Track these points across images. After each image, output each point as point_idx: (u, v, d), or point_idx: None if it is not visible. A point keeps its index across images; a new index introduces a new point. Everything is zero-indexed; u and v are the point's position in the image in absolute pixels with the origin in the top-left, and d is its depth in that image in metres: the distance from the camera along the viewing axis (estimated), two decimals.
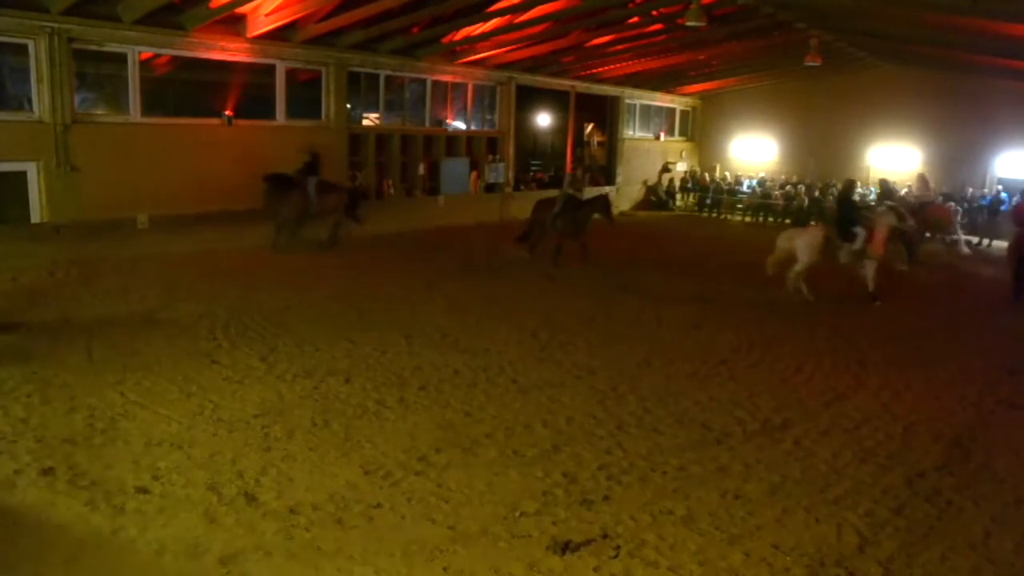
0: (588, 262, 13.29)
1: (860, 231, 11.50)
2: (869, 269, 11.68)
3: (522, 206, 19.10)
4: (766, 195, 23.86)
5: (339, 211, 13.67)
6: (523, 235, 14.02)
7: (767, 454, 5.94)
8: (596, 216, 13.71)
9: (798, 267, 11.70)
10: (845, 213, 11.95)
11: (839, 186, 22.70)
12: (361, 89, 17.09)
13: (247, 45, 14.00)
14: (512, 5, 15.11)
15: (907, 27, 15.60)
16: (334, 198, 13.42)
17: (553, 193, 16.15)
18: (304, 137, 15.39)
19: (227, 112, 14.56)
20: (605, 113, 24.74)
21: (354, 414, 6.38)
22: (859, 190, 13.76)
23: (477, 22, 16.07)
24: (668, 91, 25.33)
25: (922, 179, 13.73)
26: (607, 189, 21.49)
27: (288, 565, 4.19)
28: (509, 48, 17.92)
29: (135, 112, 13.03)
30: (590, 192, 16.77)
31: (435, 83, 18.57)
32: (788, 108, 24.38)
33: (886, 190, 16.79)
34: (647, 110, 25.56)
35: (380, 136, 17.55)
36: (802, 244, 11.71)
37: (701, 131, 27.37)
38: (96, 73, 13.20)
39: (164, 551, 4.25)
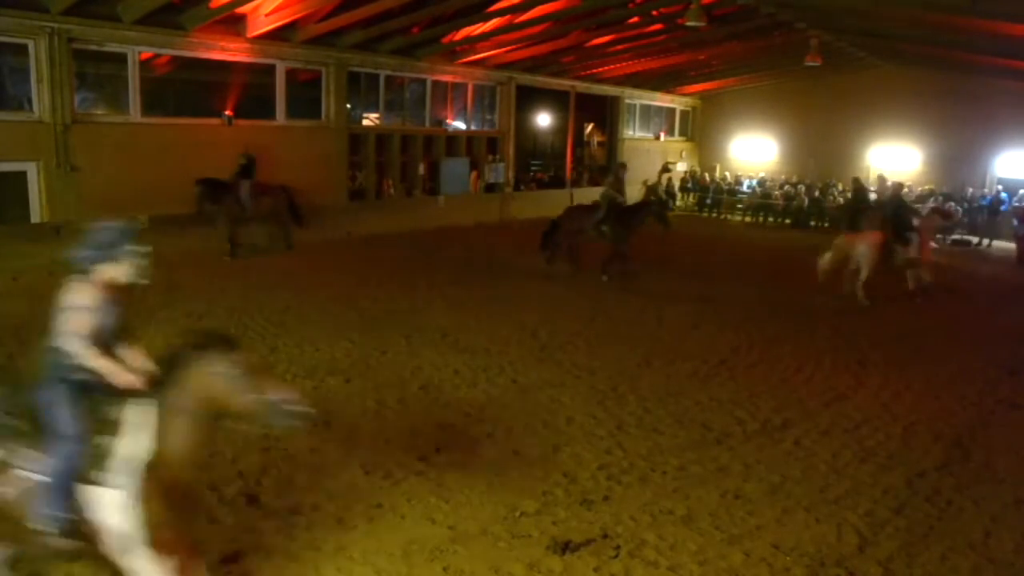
0: (609, 274, 12.36)
1: (914, 236, 11.46)
2: (916, 272, 11.68)
3: (522, 206, 19.13)
4: (766, 195, 23.86)
5: (280, 212, 13.06)
6: (544, 241, 12.97)
7: (767, 454, 5.94)
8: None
9: (862, 275, 11.45)
10: (901, 216, 11.82)
11: (840, 186, 22.87)
12: (361, 89, 17.11)
13: (247, 45, 14.01)
14: (512, 5, 15.12)
15: (907, 27, 15.60)
16: (269, 201, 12.84)
17: (558, 193, 15.97)
18: (304, 137, 15.41)
19: (227, 112, 14.58)
20: (605, 113, 24.77)
21: (354, 414, 6.38)
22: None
23: (477, 22, 16.09)
24: (668, 91, 25.34)
25: (881, 180, 13.81)
26: None
27: (288, 565, 4.19)
28: (509, 48, 17.93)
29: (135, 112, 13.06)
30: (591, 193, 16.72)
31: (435, 83, 18.58)
32: (788, 108, 24.37)
33: (858, 188, 16.66)
34: (647, 110, 25.57)
35: (380, 136, 17.57)
36: (863, 249, 11.48)
37: (701, 131, 27.37)
38: (96, 73, 13.20)
39: None
